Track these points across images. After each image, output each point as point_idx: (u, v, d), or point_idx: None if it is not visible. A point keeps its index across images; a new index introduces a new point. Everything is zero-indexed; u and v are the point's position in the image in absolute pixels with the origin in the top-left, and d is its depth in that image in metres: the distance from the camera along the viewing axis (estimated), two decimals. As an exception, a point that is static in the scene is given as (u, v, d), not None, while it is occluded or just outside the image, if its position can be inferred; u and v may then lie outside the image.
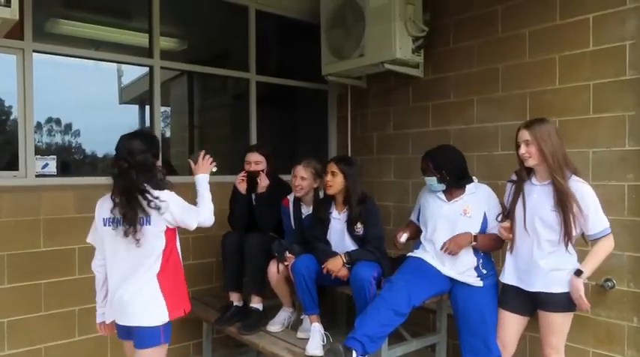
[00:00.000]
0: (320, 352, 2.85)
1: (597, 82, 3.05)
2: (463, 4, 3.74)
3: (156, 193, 2.37)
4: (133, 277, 2.37)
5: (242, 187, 3.39)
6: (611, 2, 2.97)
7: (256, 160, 3.43)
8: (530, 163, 2.54)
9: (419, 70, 3.97)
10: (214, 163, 2.73)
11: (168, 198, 2.40)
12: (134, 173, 2.34)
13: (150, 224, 2.36)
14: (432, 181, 2.88)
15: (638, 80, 2.88)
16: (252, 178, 3.39)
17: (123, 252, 2.39)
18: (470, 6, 3.70)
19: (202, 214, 2.57)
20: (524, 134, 2.53)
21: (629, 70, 2.92)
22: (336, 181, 3.05)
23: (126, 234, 2.32)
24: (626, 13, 2.93)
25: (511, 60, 3.47)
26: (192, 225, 2.50)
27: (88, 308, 3.46)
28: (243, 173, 3.41)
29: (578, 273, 2.47)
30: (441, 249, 2.81)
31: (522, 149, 2.53)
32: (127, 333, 2.46)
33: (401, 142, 4.25)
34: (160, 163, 2.55)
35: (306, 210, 3.38)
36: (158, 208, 2.35)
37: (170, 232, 2.45)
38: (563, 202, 2.44)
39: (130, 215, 2.32)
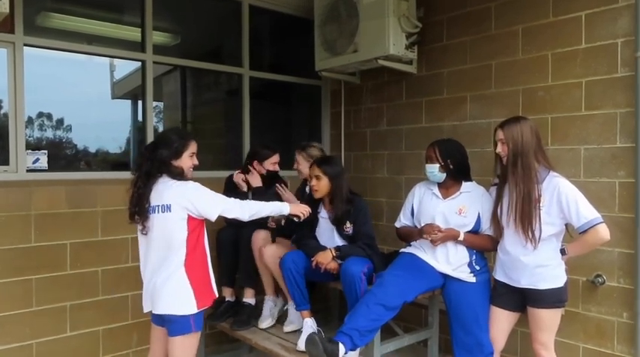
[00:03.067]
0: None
1: (589, 80, 3.06)
2: (457, 1, 3.74)
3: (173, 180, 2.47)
4: (162, 266, 2.44)
5: (244, 186, 3.40)
6: (604, 0, 2.99)
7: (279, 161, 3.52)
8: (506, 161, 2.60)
9: (412, 66, 3.98)
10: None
11: (188, 184, 2.46)
12: (149, 164, 2.45)
13: (170, 211, 2.41)
14: (433, 169, 2.86)
15: (630, 78, 2.89)
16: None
17: (150, 243, 2.49)
18: (463, 2, 3.70)
19: (236, 205, 2.57)
20: (499, 133, 2.60)
21: (621, 67, 2.94)
22: (321, 185, 3.04)
23: (137, 221, 2.45)
24: (618, 10, 2.94)
25: (504, 57, 3.48)
26: (213, 213, 2.48)
27: (79, 304, 3.46)
28: (259, 172, 3.44)
29: (562, 252, 2.57)
30: (435, 234, 2.76)
31: (499, 148, 2.61)
32: (159, 319, 2.53)
33: (394, 138, 4.25)
34: (181, 162, 2.53)
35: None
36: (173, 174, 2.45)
37: (193, 222, 2.46)
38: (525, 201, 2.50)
39: (141, 203, 2.42)
